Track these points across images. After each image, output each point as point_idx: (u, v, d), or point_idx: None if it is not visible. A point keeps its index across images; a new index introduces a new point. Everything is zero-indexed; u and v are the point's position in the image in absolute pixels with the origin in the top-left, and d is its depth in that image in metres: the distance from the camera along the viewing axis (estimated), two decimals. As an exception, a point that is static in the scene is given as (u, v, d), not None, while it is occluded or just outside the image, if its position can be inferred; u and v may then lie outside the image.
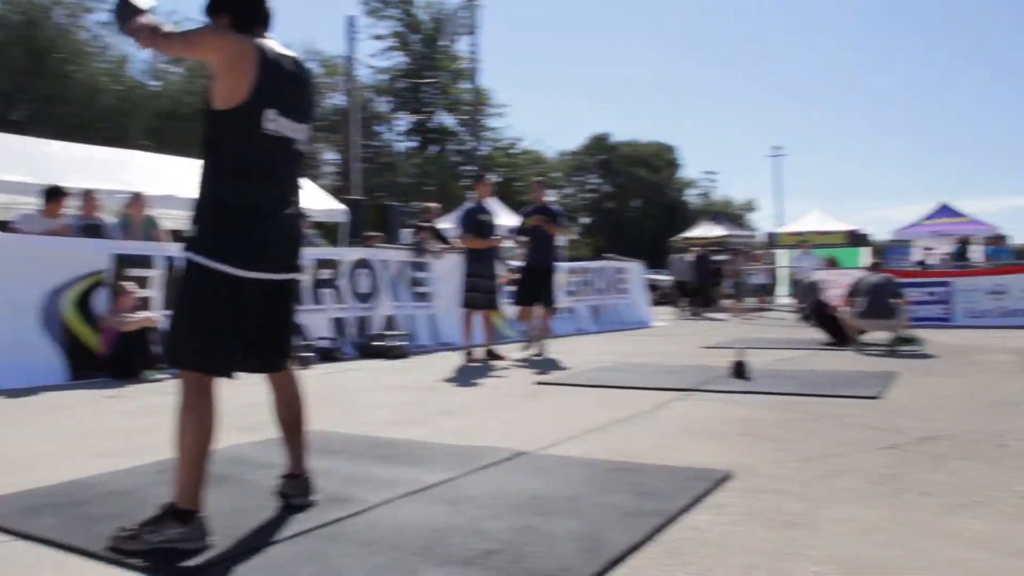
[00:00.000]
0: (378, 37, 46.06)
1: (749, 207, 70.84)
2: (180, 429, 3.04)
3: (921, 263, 21.62)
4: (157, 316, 8.37)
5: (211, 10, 3.32)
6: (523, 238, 10.57)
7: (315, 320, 10.20)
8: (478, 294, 9.72)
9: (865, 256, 26.47)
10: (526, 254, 10.46)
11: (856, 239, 28.05)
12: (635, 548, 2.95)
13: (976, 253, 21.15)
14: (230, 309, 3.12)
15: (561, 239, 13.09)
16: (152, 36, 3.19)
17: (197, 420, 3.05)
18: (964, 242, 21.73)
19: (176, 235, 9.93)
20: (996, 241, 20.68)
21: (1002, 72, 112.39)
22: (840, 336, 10.98)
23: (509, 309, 11.06)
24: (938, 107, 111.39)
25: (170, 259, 8.68)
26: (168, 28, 3.22)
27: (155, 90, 36.76)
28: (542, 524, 3.23)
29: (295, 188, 3.42)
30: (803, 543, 2.99)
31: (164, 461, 3.85)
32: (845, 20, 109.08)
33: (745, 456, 4.41)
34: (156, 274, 8.78)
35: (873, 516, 3.32)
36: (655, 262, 28.36)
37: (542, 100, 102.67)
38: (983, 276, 15.61)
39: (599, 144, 63.98)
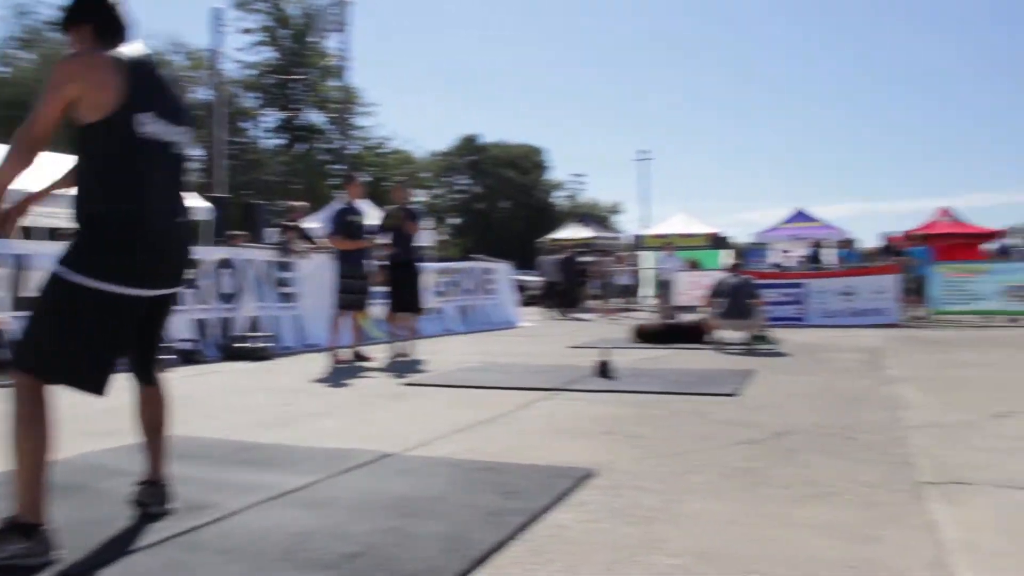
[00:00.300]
0: (246, 31, 45.06)
1: (615, 209, 72.36)
2: (17, 440, 2.85)
3: (778, 265, 22.50)
4: (4, 317, 7.95)
5: (72, 21, 3.17)
6: (383, 238, 10.39)
7: (176, 321, 9.87)
8: (350, 295, 9.61)
9: (726, 258, 27.38)
10: (389, 254, 10.34)
11: (718, 242, 28.94)
12: (499, 547, 2.96)
13: (830, 256, 22.14)
14: (105, 325, 2.96)
15: (424, 239, 13.03)
16: (16, 155, 3.01)
17: (35, 430, 2.87)
18: (817, 246, 22.71)
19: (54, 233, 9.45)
20: (846, 245, 21.70)
21: (853, 84, 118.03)
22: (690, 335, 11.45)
23: (377, 310, 10.96)
24: (796, 116, 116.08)
25: (18, 257, 8.25)
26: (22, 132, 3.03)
27: (3, 77, 34.99)
28: (407, 526, 3.21)
29: (178, 194, 3.28)
30: (662, 537, 3.06)
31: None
32: (711, 25, 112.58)
33: (607, 454, 4.49)
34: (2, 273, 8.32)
35: (729, 509, 3.43)
36: (523, 263, 28.61)
37: (413, 100, 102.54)
38: (834, 278, 16.35)
39: (469, 145, 64.24)
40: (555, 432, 5.18)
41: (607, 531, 3.15)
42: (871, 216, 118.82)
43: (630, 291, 24.27)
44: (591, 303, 22.67)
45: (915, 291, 16.17)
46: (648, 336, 11.88)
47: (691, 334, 11.58)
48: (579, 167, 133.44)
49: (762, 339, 10.78)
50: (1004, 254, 23.70)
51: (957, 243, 23.76)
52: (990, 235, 26.53)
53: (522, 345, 12.27)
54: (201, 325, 10.23)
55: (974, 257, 22.06)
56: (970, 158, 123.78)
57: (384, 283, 10.38)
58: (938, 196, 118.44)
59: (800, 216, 27.05)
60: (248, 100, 46.21)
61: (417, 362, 9.57)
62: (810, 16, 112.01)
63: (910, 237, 21.39)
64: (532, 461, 4.32)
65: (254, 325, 10.89)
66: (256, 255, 11.60)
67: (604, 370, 7.60)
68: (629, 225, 62.43)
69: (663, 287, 19.46)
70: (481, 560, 2.83)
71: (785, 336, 11.75)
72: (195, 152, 40.83)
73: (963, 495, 3.63)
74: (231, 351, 10.12)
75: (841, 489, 3.73)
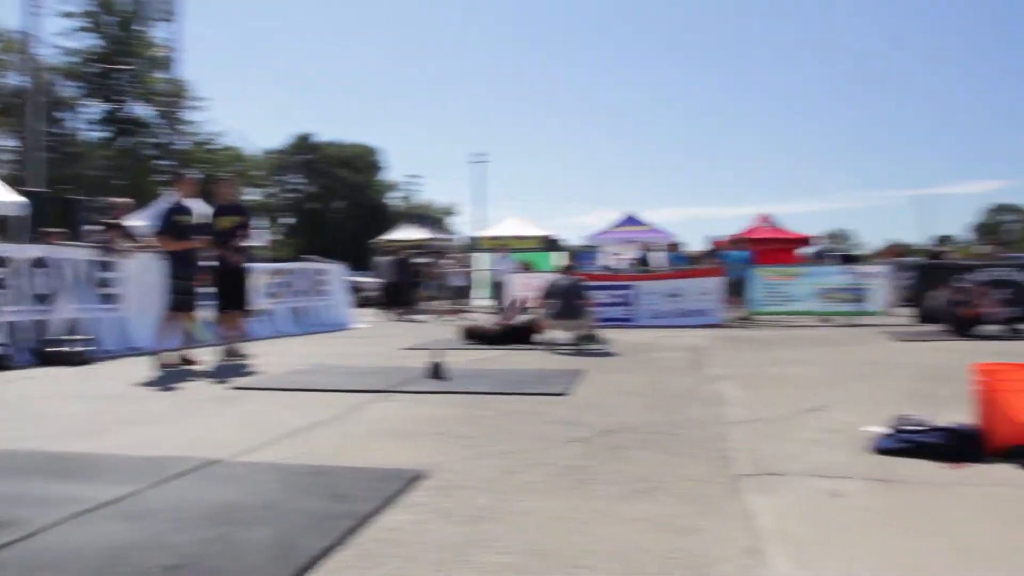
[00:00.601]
0: (67, 15, 42.46)
1: (451, 211, 72.61)
2: None
3: (608, 268, 23.05)
4: None
5: None
6: (211, 239, 10.00)
7: (-19, 324, 9.25)
8: (180, 296, 9.23)
9: (558, 260, 27.89)
10: (218, 256, 9.97)
11: (550, 244, 29.47)
12: (328, 553, 2.90)
13: (659, 259, 22.84)
14: None
15: (255, 240, 12.68)
16: None
17: None
18: (646, 249, 23.39)
19: None
20: (673, 248, 22.44)
21: (686, 93, 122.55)
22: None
23: (205, 312, 10.57)
24: (628, 122, 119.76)
25: None
26: None
27: None
28: (232, 534, 3.10)
29: None
30: (492, 536, 3.07)
31: None
32: (545, 28, 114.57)
33: (438, 455, 4.48)
34: None
35: (559, 506, 3.48)
36: (358, 264, 28.31)
37: (246, 96, 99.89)
38: (662, 280, 16.88)
39: (303, 143, 63.11)
40: (386, 434, 5.13)
41: (438, 532, 3.14)
42: (698, 221, 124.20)
43: (464, 293, 24.36)
44: (425, 304, 22.63)
45: (737, 293, 16.91)
46: (479, 337, 11.95)
47: (522, 335, 11.73)
48: (415, 168, 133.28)
49: (592, 339, 11.03)
50: (820, 258, 25.15)
51: (775, 248, 25.06)
52: (805, 240, 28.12)
53: (355, 347, 12.11)
54: (12, 328, 9.61)
55: (790, 261, 23.29)
56: (790, 168, 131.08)
57: (212, 284, 10.02)
58: (760, 203, 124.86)
59: (630, 220, 27.85)
60: (68, 89, 43.74)
61: (246, 365, 9.28)
62: (642, 22, 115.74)
63: (733, 241, 22.30)
64: (363, 464, 4.27)
65: (72, 328, 10.31)
66: (74, 254, 10.99)
67: (436, 371, 7.59)
68: (464, 227, 62.82)
69: (498, 289, 19.65)
70: (308, 567, 2.77)
71: (615, 336, 12.05)
72: (7, 142, 38.54)
73: (777, 485, 3.81)
74: (46, 355, 9.55)
75: (665, 484, 3.85)
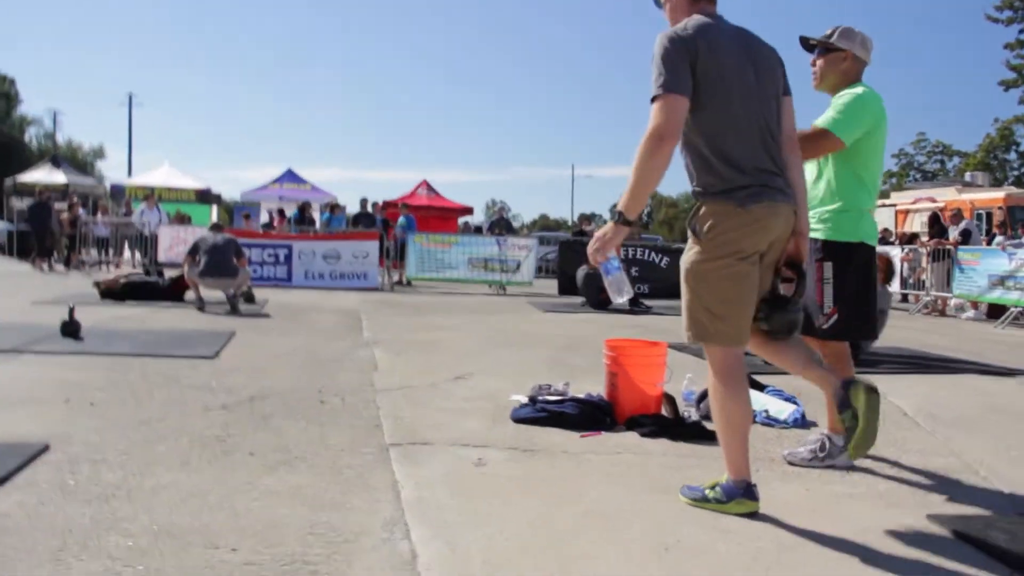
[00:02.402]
0: None
1: (98, 154, 67.12)
2: None
3: (268, 225, 22.44)
4: None
5: None
6: None
7: None
8: None
9: (214, 214, 26.77)
10: None
11: (206, 197, 28.14)
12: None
13: (320, 219, 22.52)
14: None
15: None
16: None
17: None
18: (306, 207, 23.01)
19: None
20: (333, 209, 22.25)
21: (348, 53, 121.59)
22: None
23: None
24: (293, 80, 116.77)
25: None
26: None
27: None
28: None
29: None
30: (120, 515, 2.83)
31: None
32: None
33: (66, 425, 4.08)
34: None
35: (196, 480, 3.28)
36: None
37: None
38: (320, 241, 16.68)
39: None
40: (7, 402, 4.59)
41: (58, 514, 2.84)
42: (358, 183, 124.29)
43: (107, 243, 22.64)
44: (66, 255, 20.77)
45: (395, 257, 17.11)
46: (117, 293, 11.10)
47: (170, 292, 11.11)
48: (58, 103, 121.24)
49: (246, 299, 10.66)
50: (478, 231, 26.01)
51: (435, 215, 25.67)
52: (463, 210, 29.03)
53: (-25, 299, 10.87)
54: None
55: (448, 229, 23.95)
56: (444, 138, 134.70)
57: None
58: (421, 169, 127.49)
59: (290, 176, 27.28)
60: None
61: None
62: None
63: (393, 205, 22.50)
64: (-29, 435, 3.81)
65: None
66: None
67: (70, 329, 6.96)
68: (112, 172, 58.44)
69: (143, 241, 18.48)
70: None
71: (270, 296, 11.77)
72: None
73: (423, 455, 3.86)
74: None
75: (311, 454, 3.77)
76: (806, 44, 4.12)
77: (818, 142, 3.79)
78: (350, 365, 6.40)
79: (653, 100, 2.96)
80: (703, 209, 3.10)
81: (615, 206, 3.24)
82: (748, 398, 3.23)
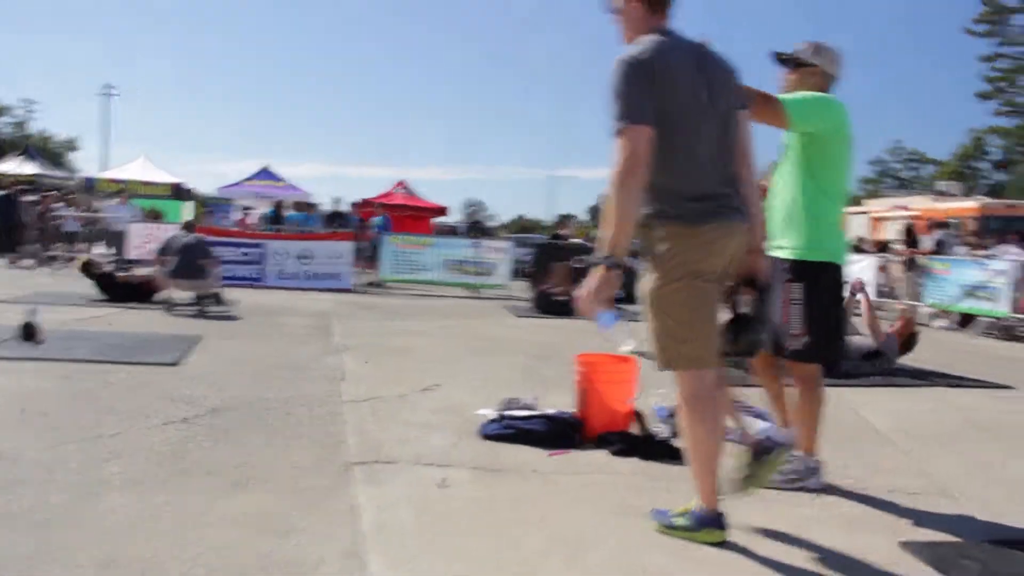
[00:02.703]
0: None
1: (71, 146, 66.22)
2: None
3: (241, 223, 22.20)
4: None
5: None
6: None
7: None
8: None
9: (188, 211, 26.46)
10: None
11: (180, 193, 27.81)
12: None
13: (294, 217, 22.25)
14: None
15: None
16: None
17: None
18: (280, 206, 22.78)
19: None
20: (308, 208, 22.02)
21: (328, 48, 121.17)
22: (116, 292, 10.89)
23: None
24: (269, 70, 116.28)
25: None
26: None
27: None
28: None
29: None
30: (64, 544, 2.72)
31: None
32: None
33: (16, 439, 3.95)
34: None
35: (148, 504, 3.17)
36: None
37: None
38: (294, 241, 16.49)
39: None
40: (-46, 411, 4.47)
41: (-3, 542, 2.73)
42: (336, 179, 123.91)
43: (79, 238, 22.30)
44: (33, 250, 20.41)
45: (369, 258, 16.94)
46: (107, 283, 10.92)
47: (137, 292, 10.93)
48: (31, 92, 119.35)
49: (215, 300, 10.49)
50: (454, 232, 25.95)
51: (410, 215, 25.51)
52: (439, 210, 28.89)
53: (-64, 296, 10.63)
54: None
55: (424, 230, 23.81)
56: (424, 135, 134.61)
57: None
58: (398, 166, 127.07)
59: (265, 174, 27.03)
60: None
61: None
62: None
63: (369, 204, 22.33)
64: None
65: None
66: None
67: (29, 332, 6.79)
68: (87, 165, 57.77)
69: (116, 238, 18.21)
70: None
71: (241, 297, 11.57)
72: None
73: (386, 474, 3.76)
74: None
75: (272, 474, 3.67)
76: (778, 58, 4.07)
77: (767, 108, 3.69)
78: (318, 373, 6.27)
79: (617, 132, 2.88)
80: (657, 233, 3.03)
81: (594, 238, 3.13)
82: (719, 425, 3.17)
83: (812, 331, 3.81)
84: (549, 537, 3.07)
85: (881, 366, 7.51)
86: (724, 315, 3.20)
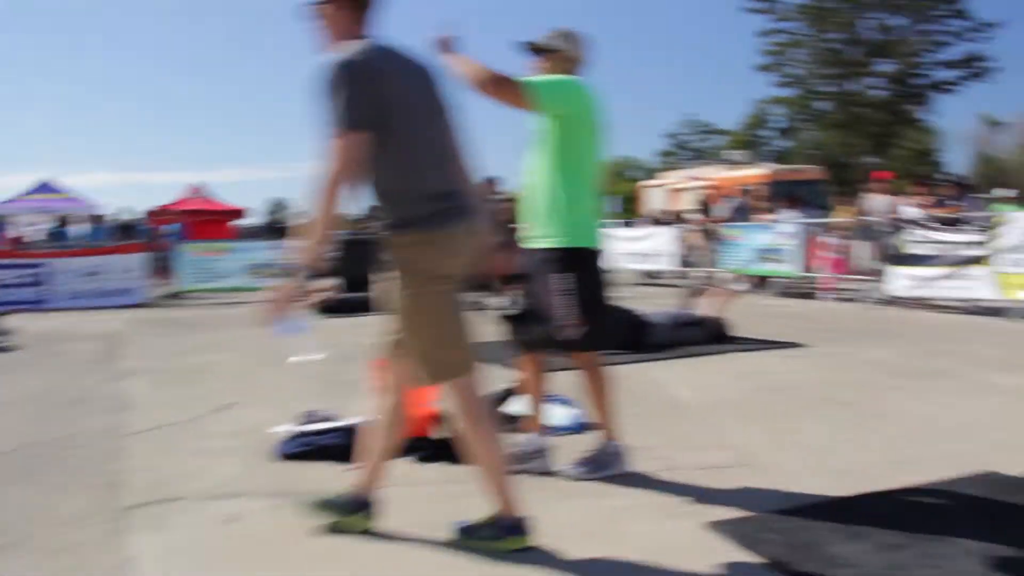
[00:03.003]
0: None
1: None
2: None
3: (19, 240, 20.71)
4: None
5: None
6: None
7: None
8: None
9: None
10: None
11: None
12: None
13: (81, 231, 20.96)
14: None
15: None
16: None
17: None
18: (65, 220, 21.42)
19: None
20: (97, 220, 20.82)
21: (110, 48, 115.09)
22: None
23: None
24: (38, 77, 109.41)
25: None
26: None
27: None
28: None
29: None
30: None
31: None
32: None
33: None
34: None
35: None
36: None
37: None
38: (80, 257, 15.45)
39: None
40: None
41: None
42: (129, 187, 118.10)
43: None
44: None
45: (164, 269, 16.12)
46: None
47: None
48: None
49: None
50: (258, 234, 25.06)
51: (207, 220, 24.47)
52: (237, 213, 27.91)
53: None
54: None
55: (223, 235, 22.88)
56: (222, 133, 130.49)
57: None
58: (194, 169, 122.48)
59: (45, 187, 25.29)
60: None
61: None
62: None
63: (161, 212, 21.32)
64: None
65: None
66: None
67: None
68: None
69: None
70: None
71: (22, 324, 10.72)
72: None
73: (168, 516, 3.45)
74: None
75: (35, 532, 3.29)
76: (529, 48, 4.01)
77: (508, 88, 3.61)
78: (100, 405, 5.77)
79: (332, 137, 2.74)
80: (397, 242, 2.93)
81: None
82: (494, 430, 3.09)
83: (585, 318, 3.74)
84: (345, 568, 2.88)
85: (694, 336, 7.72)
86: (500, 315, 3.12)
